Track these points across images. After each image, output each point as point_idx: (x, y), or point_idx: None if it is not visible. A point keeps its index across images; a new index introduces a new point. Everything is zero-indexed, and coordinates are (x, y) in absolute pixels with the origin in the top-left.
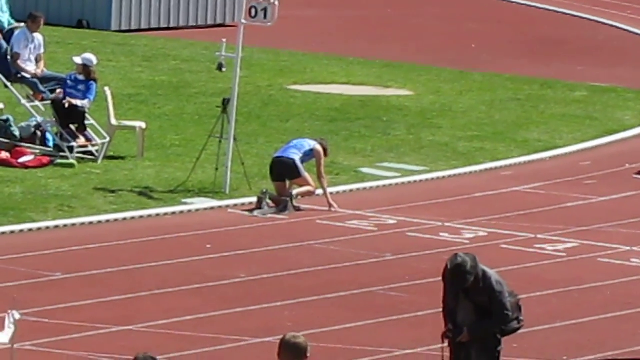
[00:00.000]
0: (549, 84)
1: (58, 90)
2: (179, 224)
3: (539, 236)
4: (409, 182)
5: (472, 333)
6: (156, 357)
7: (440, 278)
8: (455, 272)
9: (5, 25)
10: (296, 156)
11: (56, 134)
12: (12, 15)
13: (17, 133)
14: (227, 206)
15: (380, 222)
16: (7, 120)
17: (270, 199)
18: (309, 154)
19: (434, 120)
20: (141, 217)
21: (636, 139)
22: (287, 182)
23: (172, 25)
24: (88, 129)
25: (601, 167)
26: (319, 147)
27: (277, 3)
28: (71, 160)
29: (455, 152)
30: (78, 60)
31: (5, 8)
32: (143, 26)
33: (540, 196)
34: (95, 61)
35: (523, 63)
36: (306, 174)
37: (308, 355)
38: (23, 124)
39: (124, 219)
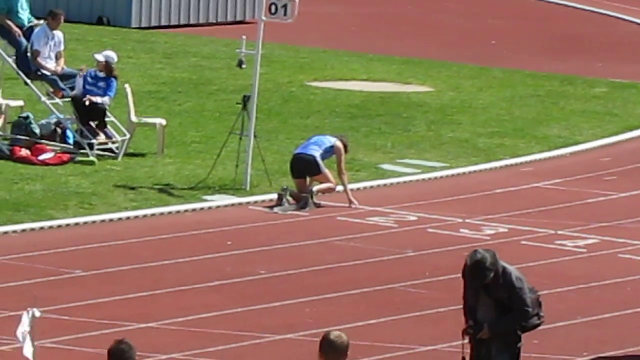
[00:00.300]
0: (569, 80)
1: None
2: (199, 221)
3: (559, 232)
4: (429, 179)
5: (492, 329)
6: (131, 345)
7: (460, 274)
8: (475, 268)
9: (25, 22)
10: (316, 153)
11: (76, 131)
12: (32, 13)
13: (37, 130)
14: (248, 203)
15: (400, 219)
16: (27, 117)
17: (290, 195)
18: (329, 151)
19: (454, 116)
20: (161, 214)
21: None
22: (308, 179)
23: (192, 22)
24: (108, 126)
25: (621, 163)
26: (339, 144)
27: (297, 0)
28: (91, 158)
29: (475, 148)
30: (99, 57)
31: (26, 6)
32: (163, 23)
33: (560, 192)
34: (116, 58)
35: (543, 59)
36: (326, 171)
37: (348, 354)
38: (43, 121)
39: (144, 216)
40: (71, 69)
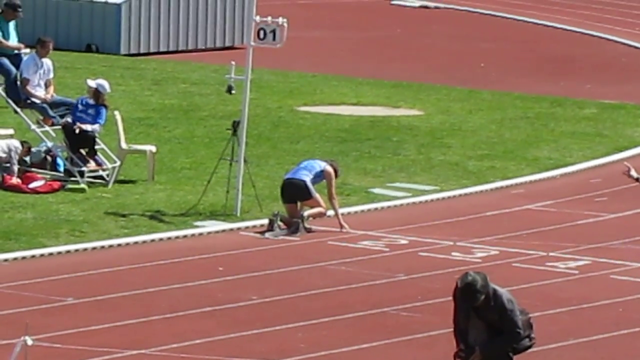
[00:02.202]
0: (559, 102)
1: (65, 119)
2: (191, 247)
3: (550, 254)
4: (420, 202)
5: (484, 352)
6: None
7: (452, 297)
8: (466, 290)
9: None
10: (307, 177)
11: (66, 159)
12: (20, 41)
13: (27, 159)
14: (239, 229)
15: (391, 243)
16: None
17: (281, 220)
18: (320, 175)
19: (444, 139)
20: (152, 240)
21: None
22: (299, 204)
23: (180, 48)
24: (98, 154)
25: (612, 184)
26: (329, 168)
27: (285, 25)
28: (82, 185)
29: (466, 171)
30: (92, 83)
31: (14, 33)
32: (152, 50)
33: (551, 214)
34: (108, 89)
35: (532, 81)
36: (317, 195)
37: None
38: (33, 150)
39: (136, 242)
40: (61, 97)
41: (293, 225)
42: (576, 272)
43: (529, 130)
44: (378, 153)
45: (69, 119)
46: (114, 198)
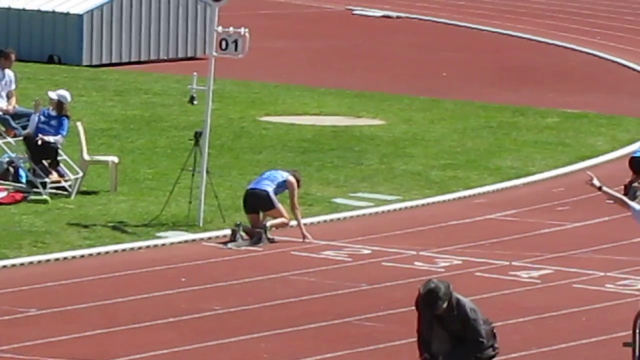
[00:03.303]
0: (521, 111)
1: (27, 130)
2: (153, 258)
3: (513, 263)
4: (383, 212)
5: None
6: None
7: (414, 305)
8: (428, 297)
9: None
10: (269, 188)
11: (29, 170)
12: None
13: None
14: (201, 239)
15: (354, 252)
16: None
17: (244, 231)
18: (282, 185)
19: (407, 149)
20: (115, 251)
21: (608, 165)
22: (261, 214)
23: (143, 59)
24: (61, 165)
25: (574, 193)
26: (291, 178)
27: (247, 35)
28: (44, 196)
29: (428, 180)
30: (53, 95)
31: None
32: (114, 60)
33: (514, 223)
34: (69, 98)
35: (494, 91)
36: (280, 206)
37: None
38: None
39: (98, 253)
40: (23, 107)
41: (255, 235)
42: (539, 281)
43: (492, 139)
44: (340, 163)
45: (31, 131)
46: (76, 209)
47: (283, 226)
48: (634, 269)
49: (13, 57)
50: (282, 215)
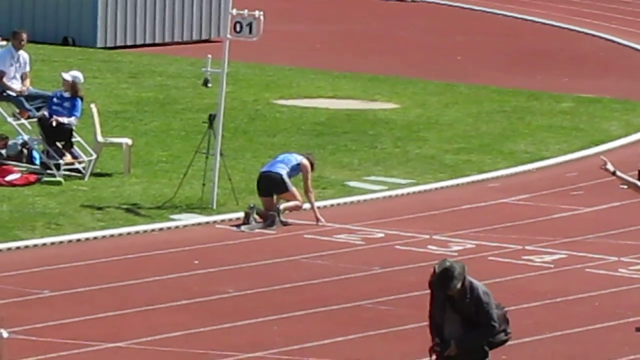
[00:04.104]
0: (535, 96)
1: (41, 112)
2: (167, 240)
3: (526, 247)
4: (396, 196)
5: (459, 346)
6: None
7: (428, 288)
8: (443, 276)
9: None
10: (283, 171)
11: (43, 152)
12: None
13: (3, 151)
14: (215, 222)
15: (367, 236)
16: None
17: (257, 214)
18: (296, 169)
19: (421, 133)
20: (128, 233)
21: (622, 149)
22: (275, 197)
23: (157, 41)
24: (74, 147)
25: (588, 178)
26: (305, 162)
27: (262, 18)
28: (58, 178)
29: (442, 164)
30: (67, 76)
31: None
32: (129, 43)
33: (527, 207)
34: (82, 79)
35: (509, 75)
36: (293, 189)
37: None
38: (10, 142)
39: (112, 235)
40: (37, 89)
41: (269, 218)
42: (552, 265)
43: (506, 123)
44: (354, 146)
45: (45, 112)
46: (90, 191)
47: (296, 209)
48: None
49: (25, 37)
50: (295, 199)
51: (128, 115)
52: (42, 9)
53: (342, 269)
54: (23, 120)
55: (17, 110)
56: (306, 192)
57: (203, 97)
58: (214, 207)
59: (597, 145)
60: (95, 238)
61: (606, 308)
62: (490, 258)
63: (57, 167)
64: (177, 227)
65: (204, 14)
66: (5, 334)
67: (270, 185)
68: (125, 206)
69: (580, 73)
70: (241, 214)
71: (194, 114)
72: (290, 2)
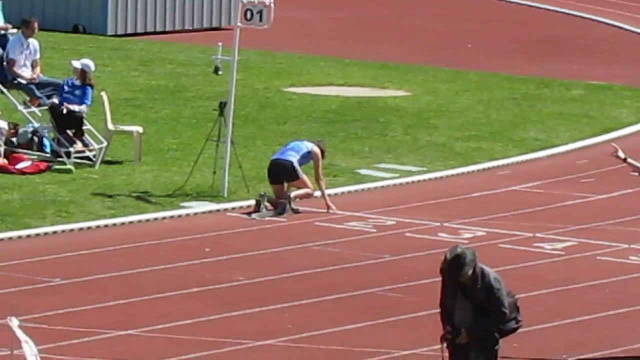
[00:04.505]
0: (546, 83)
1: (52, 100)
2: (177, 228)
3: (537, 235)
4: (407, 183)
5: (470, 334)
6: None
7: (439, 275)
8: (454, 262)
9: None
10: (294, 158)
11: (53, 140)
12: (6, 21)
13: (14, 139)
14: (225, 209)
15: (378, 223)
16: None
17: (268, 201)
18: (307, 156)
19: (431, 120)
20: (139, 221)
21: (633, 137)
22: (285, 185)
23: (167, 29)
24: (85, 134)
25: (598, 165)
26: (316, 149)
27: (272, 5)
28: (68, 166)
29: (453, 152)
30: (77, 64)
31: (0, 14)
32: (139, 30)
33: (538, 195)
34: (93, 67)
35: (519, 62)
36: (304, 176)
37: None
38: (20, 130)
39: (122, 223)
40: (47, 77)
41: (280, 206)
42: (563, 253)
43: (516, 111)
44: (365, 134)
45: (56, 100)
46: (100, 179)
47: (307, 197)
48: None
49: (36, 25)
50: (306, 186)
51: (139, 103)
52: None
53: (353, 257)
54: (34, 108)
55: (28, 98)
56: (317, 179)
57: (214, 85)
58: (225, 194)
59: (607, 132)
60: (105, 226)
61: (617, 295)
62: (500, 245)
63: (68, 155)
64: (187, 214)
65: (215, 1)
66: (15, 322)
67: (281, 173)
68: (135, 194)
69: (590, 60)
70: (252, 202)
71: (204, 102)
72: None
